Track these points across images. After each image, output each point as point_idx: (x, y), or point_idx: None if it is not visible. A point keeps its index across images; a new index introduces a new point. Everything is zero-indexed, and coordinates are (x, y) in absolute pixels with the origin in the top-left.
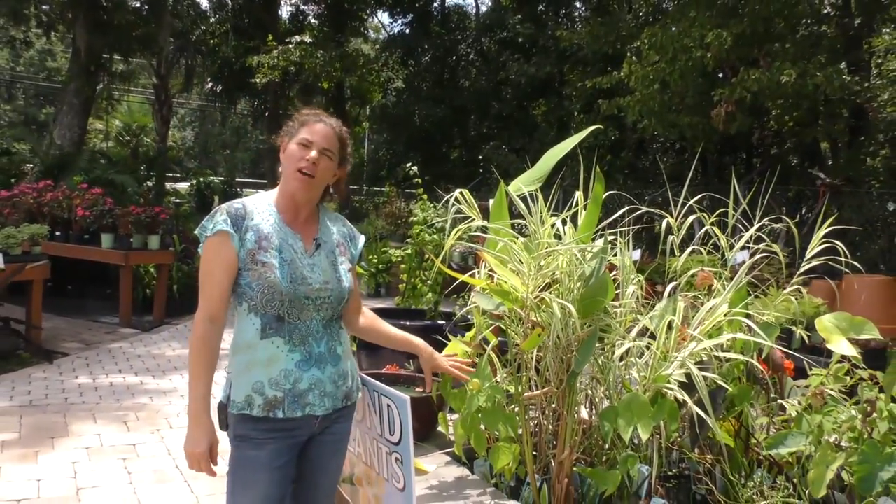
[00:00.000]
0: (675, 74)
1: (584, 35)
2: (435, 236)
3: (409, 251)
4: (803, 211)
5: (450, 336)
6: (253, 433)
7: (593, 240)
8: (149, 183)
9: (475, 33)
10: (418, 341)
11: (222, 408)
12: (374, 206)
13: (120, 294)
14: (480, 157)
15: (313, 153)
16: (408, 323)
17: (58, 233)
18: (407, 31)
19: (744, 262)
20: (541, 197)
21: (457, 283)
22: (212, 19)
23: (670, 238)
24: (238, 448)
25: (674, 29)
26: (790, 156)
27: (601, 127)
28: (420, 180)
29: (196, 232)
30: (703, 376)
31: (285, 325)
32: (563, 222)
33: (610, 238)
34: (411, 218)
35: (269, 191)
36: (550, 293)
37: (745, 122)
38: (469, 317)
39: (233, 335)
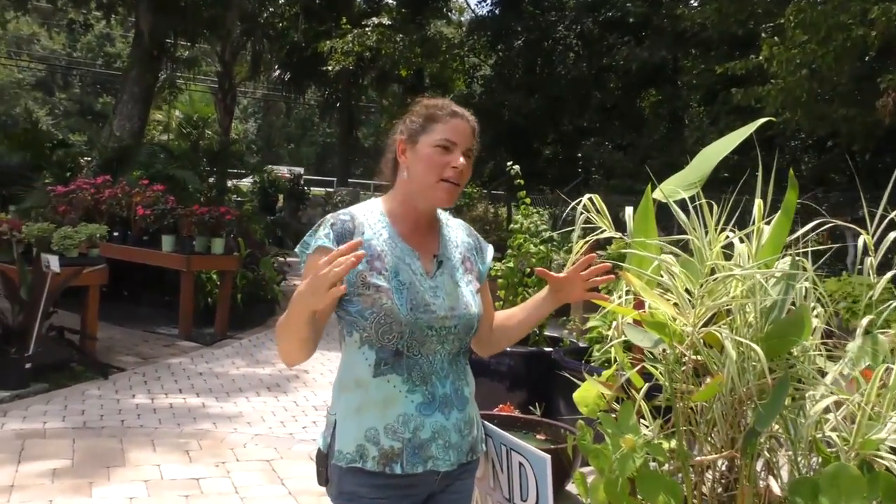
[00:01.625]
0: (829, 57)
1: (709, 13)
2: (541, 248)
3: (509, 264)
4: None
5: (584, 374)
6: (363, 490)
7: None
8: (210, 180)
9: (575, 13)
10: (540, 294)
11: (322, 458)
12: (455, 210)
13: (180, 303)
14: (579, 154)
15: (461, 159)
16: (509, 349)
17: (115, 233)
18: (496, 11)
19: None
20: (706, 206)
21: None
22: (281, 0)
23: (868, 260)
24: None
25: (827, 3)
26: None
27: (773, 119)
28: (521, 181)
29: (297, 250)
30: None
31: (404, 361)
32: (742, 239)
33: (797, 259)
34: (511, 226)
35: (376, 197)
36: (719, 328)
37: None
38: (581, 344)
39: (339, 369)
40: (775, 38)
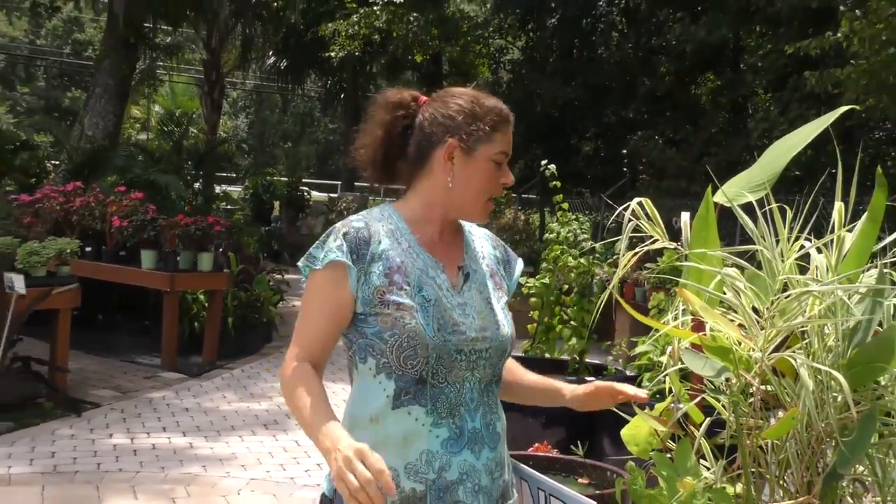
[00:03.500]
0: None
1: None
2: (581, 261)
3: (544, 280)
4: None
5: (636, 409)
6: None
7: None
8: (196, 185)
9: None
10: (559, 383)
11: (326, 503)
12: None
13: (163, 328)
14: (624, 151)
15: (511, 177)
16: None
17: (88, 248)
18: None
19: None
20: (776, 210)
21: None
22: None
23: None
24: None
25: None
26: None
27: (856, 107)
28: (558, 183)
29: (300, 264)
30: None
31: (427, 390)
32: (820, 250)
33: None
34: (546, 235)
35: (388, 202)
36: (793, 353)
37: None
38: (628, 372)
39: (348, 405)
40: (856, 11)
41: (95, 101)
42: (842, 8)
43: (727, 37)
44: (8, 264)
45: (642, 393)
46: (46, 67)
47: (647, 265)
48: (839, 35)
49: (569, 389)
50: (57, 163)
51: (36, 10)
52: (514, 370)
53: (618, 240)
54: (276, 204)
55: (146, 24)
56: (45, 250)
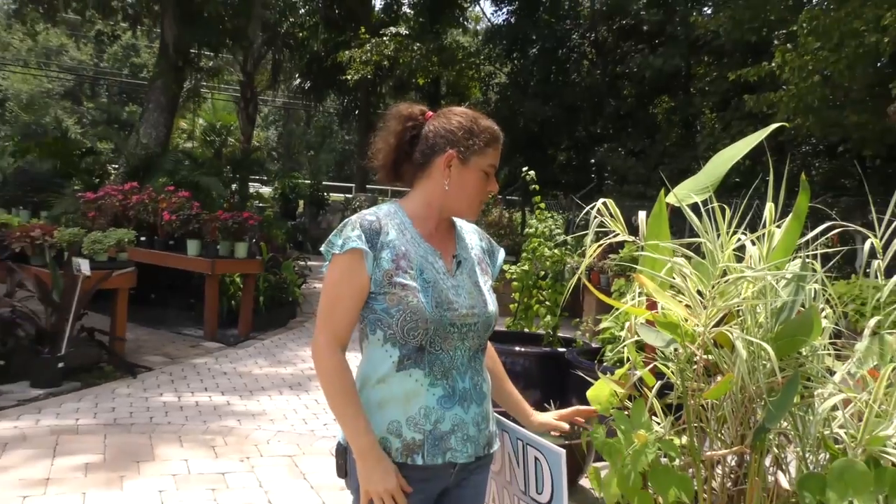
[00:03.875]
0: (841, 64)
1: (723, 21)
2: (555, 251)
3: (524, 267)
4: None
5: (596, 372)
6: None
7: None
8: (233, 186)
9: (590, 21)
10: (530, 410)
11: (342, 451)
12: None
13: (205, 305)
14: (592, 160)
15: (496, 185)
16: (522, 349)
17: (142, 238)
18: (512, 20)
19: None
20: (717, 209)
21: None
22: (301, 10)
23: (875, 262)
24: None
25: (840, 10)
26: None
27: (786, 125)
28: (537, 187)
29: (322, 249)
30: None
31: (426, 356)
32: (754, 242)
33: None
34: (526, 230)
35: (393, 200)
36: (730, 328)
37: None
38: (593, 345)
39: (360, 368)
40: (788, 45)
41: (149, 115)
42: (776, 42)
43: (679, 66)
44: (76, 251)
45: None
46: (108, 86)
47: (611, 256)
48: (773, 64)
49: (532, 415)
50: (116, 166)
51: (100, 38)
52: (502, 375)
53: (585, 234)
54: (301, 202)
55: (192, 51)
56: (107, 239)
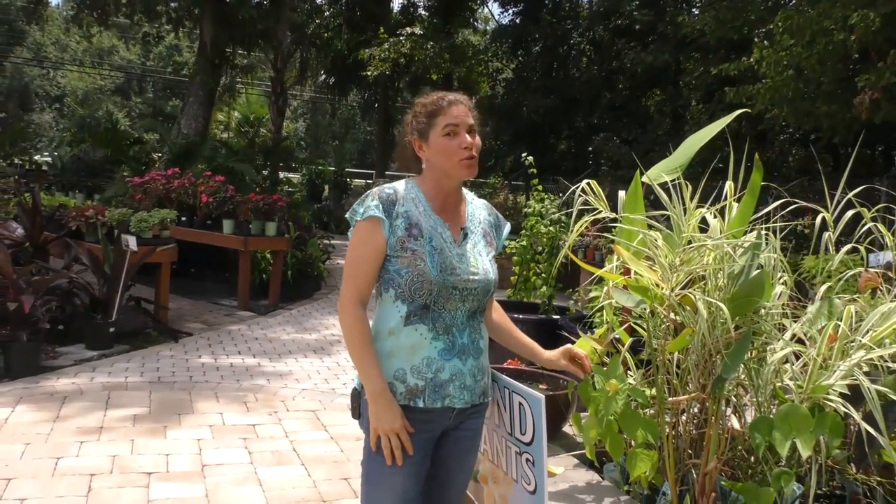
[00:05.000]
0: (813, 59)
1: (708, 20)
2: (550, 228)
3: (523, 243)
4: None
5: (579, 333)
6: None
7: (744, 234)
8: (265, 172)
9: (588, 21)
10: (540, 349)
11: (356, 395)
12: (480, 197)
13: (238, 278)
14: (590, 148)
15: (467, 138)
16: (521, 316)
17: (183, 218)
18: (517, 20)
19: (889, 264)
20: (685, 186)
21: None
22: (326, 13)
23: (825, 235)
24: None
25: (812, 10)
26: None
27: (749, 110)
28: (535, 171)
29: (347, 216)
30: (874, 389)
31: (430, 313)
32: (715, 215)
33: (763, 233)
34: (525, 209)
35: (411, 178)
36: (693, 291)
37: (893, 112)
38: (586, 312)
39: (374, 322)
40: (765, 42)
41: (189, 108)
42: (756, 40)
43: (669, 61)
44: (124, 228)
45: (587, 363)
46: (153, 82)
47: (604, 235)
48: (752, 60)
49: (543, 353)
50: (160, 154)
51: (146, 39)
52: (510, 326)
53: (571, 211)
54: (326, 187)
55: (227, 50)
56: (152, 218)
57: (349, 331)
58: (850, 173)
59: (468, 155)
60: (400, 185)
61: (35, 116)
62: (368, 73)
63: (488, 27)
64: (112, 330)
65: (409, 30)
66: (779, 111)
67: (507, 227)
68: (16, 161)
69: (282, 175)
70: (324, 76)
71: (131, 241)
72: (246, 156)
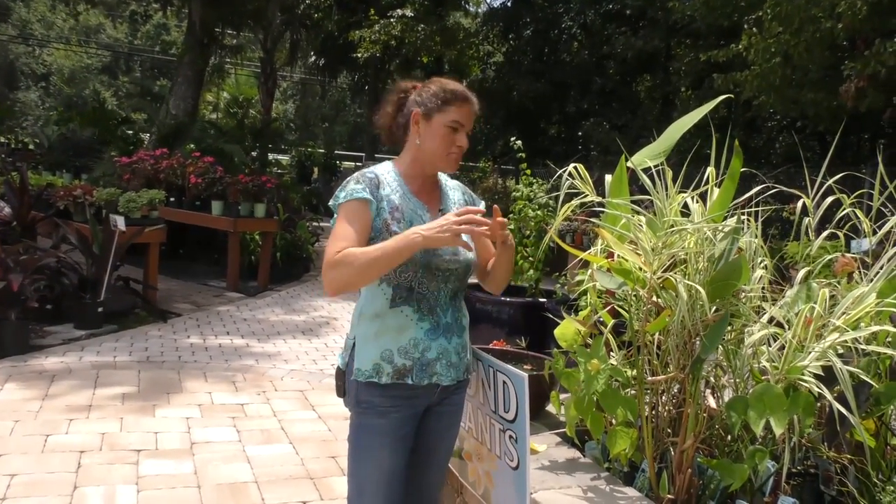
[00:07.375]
0: (800, 47)
1: (698, 6)
2: (538, 212)
3: (511, 226)
4: None
5: (563, 314)
6: (378, 400)
7: (724, 219)
8: (254, 153)
9: (579, 6)
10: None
11: (340, 374)
12: (469, 182)
13: (228, 259)
14: (580, 133)
15: (465, 141)
16: (508, 299)
17: (171, 198)
18: (508, 3)
19: (868, 251)
20: (668, 172)
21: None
22: None
23: (805, 220)
24: (361, 415)
25: None
26: None
27: (731, 96)
28: (524, 155)
29: (330, 203)
30: (846, 370)
31: (414, 295)
32: (696, 200)
33: (743, 218)
34: (513, 193)
35: (388, 161)
36: (674, 274)
37: (878, 100)
38: (572, 296)
39: (359, 303)
40: (754, 29)
41: (178, 88)
42: (745, 27)
43: (659, 47)
44: (113, 208)
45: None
46: (141, 62)
47: (591, 220)
48: (740, 47)
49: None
50: (149, 134)
51: (134, 17)
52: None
53: (558, 194)
54: (315, 169)
55: (217, 30)
56: (140, 199)
57: (347, 266)
58: (841, 161)
59: (458, 154)
60: (379, 168)
61: (21, 95)
62: (359, 55)
63: (480, 10)
64: (100, 310)
65: (399, 12)
66: (766, 99)
67: (482, 204)
68: (2, 140)
69: (271, 157)
70: (314, 57)
71: (119, 221)
72: (235, 137)
